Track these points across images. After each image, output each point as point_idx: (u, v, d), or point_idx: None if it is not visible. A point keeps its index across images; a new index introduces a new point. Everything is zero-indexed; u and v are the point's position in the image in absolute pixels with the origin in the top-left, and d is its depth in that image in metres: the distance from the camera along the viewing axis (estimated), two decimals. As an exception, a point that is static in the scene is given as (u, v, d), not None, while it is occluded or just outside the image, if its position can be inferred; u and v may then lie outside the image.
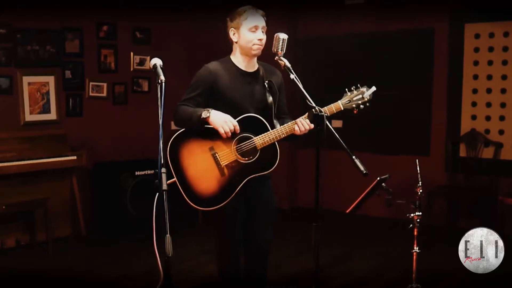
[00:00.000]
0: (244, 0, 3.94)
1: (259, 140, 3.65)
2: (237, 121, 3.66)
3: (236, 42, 3.79)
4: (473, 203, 7.13)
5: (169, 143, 3.73)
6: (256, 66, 3.86)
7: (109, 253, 6.34)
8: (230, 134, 3.60)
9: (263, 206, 3.95)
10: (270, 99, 3.80)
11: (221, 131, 3.59)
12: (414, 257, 4.17)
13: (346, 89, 3.71)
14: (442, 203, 7.30)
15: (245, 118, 3.70)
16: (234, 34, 3.78)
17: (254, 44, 3.70)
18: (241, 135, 3.69)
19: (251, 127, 3.69)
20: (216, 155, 3.69)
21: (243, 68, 3.81)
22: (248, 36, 3.71)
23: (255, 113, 3.72)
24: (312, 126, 3.58)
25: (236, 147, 3.69)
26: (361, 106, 3.68)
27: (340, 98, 3.69)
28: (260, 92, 3.81)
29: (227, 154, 3.69)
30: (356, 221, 7.40)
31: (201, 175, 3.70)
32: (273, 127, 3.72)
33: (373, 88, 3.70)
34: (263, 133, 3.66)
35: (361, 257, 6.26)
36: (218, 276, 4.04)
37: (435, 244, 6.18)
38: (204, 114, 3.60)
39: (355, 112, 3.70)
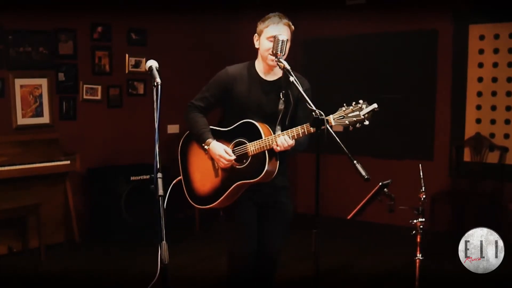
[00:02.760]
0: (242, 1, 3.95)
1: (251, 147, 3.69)
2: (236, 125, 3.77)
3: (258, 49, 3.83)
4: (477, 209, 7.13)
5: (181, 140, 4.01)
6: (278, 75, 3.83)
7: (103, 260, 6.33)
8: (228, 165, 3.73)
9: (275, 215, 3.99)
10: (281, 107, 3.78)
11: (220, 165, 3.78)
12: (417, 264, 4.17)
13: (344, 104, 3.48)
14: (445, 209, 7.31)
15: (244, 123, 3.75)
16: (256, 40, 3.82)
17: (269, 54, 3.69)
18: (239, 139, 3.76)
19: (248, 133, 3.72)
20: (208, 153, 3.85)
21: (263, 76, 3.83)
22: (265, 45, 3.73)
23: (263, 122, 3.73)
24: (292, 143, 3.55)
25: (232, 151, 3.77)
26: (357, 124, 3.46)
27: (338, 105, 3.58)
28: (274, 101, 3.81)
29: None
30: (357, 228, 7.41)
31: (200, 174, 3.90)
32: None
33: (374, 105, 3.42)
34: (257, 139, 3.67)
35: (363, 264, 6.27)
36: (227, 279, 4.03)
37: (439, 251, 6.18)
38: (206, 145, 3.80)
39: (350, 129, 3.48)
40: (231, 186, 3.73)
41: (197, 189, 3.92)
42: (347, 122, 3.45)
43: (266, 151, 3.64)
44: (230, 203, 3.82)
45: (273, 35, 3.68)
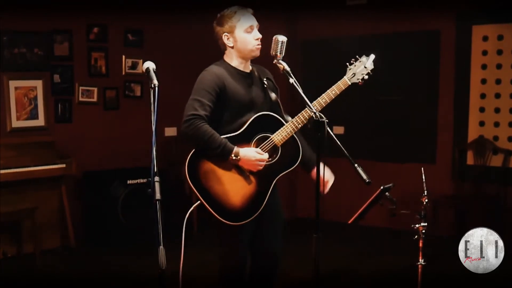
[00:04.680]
0: (240, 0, 3.95)
1: (278, 137, 3.69)
2: (250, 123, 3.72)
3: (232, 47, 3.79)
4: (481, 213, 7.12)
5: (186, 164, 3.67)
6: (250, 67, 3.90)
7: (100, 265, 6.33)
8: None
9: (273, 218, 3.98)
10: (273, 95, 3.84)
11: (255, 169, 3.67)
12: (419, 269, 4.17)
13: (347, 64, 3.89)
14: (448, 213, 7.31)
15: (257, 118, 3.73)
16: (228, 39, 3.78)
17: (254, 46, 3.74)
18: (258, 136, 3.73)
19: (265, 126, 3.72)
20: (238, 163, 3.67)
21: (241, 69, 3.83)
22: (246, 38, 3.73)
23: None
24: None
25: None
26: (366, 77, 3.87)
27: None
28: (262, 92, 3.84)
29: None
30: (358, 232, 7.41)
31: (228, 189, 3.67)
32: (286, 121, 3.75)
33: (372, 56, 3.91)
34: (279, 128, 3.70)
35: (364, 270, 6.26)
36: (218, 278, 4.02)
37: (441, 256, 6.19)
38: (234, 156, 3.59)
39: (360, 84, 3.86)
40: (272, 183, 3.73)
41: (231, 205, 3.67)
42: (359, 78, 3.87)
43: (294, 135, 3.73)
44: None
45: (250, 25, 3.73)
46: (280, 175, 3.74)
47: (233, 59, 3.82)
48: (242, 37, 3.73)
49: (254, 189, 3.70)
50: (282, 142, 3.68)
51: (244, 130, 3.71)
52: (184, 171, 3.64)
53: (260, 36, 3.75)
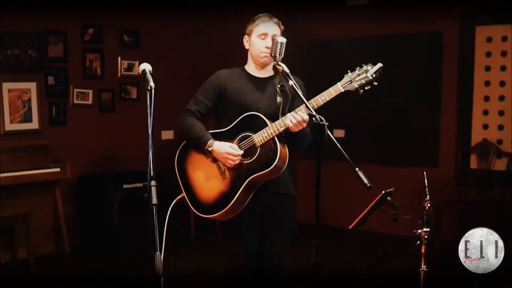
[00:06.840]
0: (238, 2, 3.97)
1: (258, 137, 3.68)
2: (237, 121, 3.77)
3: (248, 50, 3.92)
4: (485, 218, 7.12)
5: (177, 154, 3.94)
6: (271, 72, 3.93)
7: (95, 272, 6.32)
8: (237, 161, 3.67)
9: (280, 224, 3.99)
10: (279, 99, 3.81)
11: (229, 165, 3.71)
12: (422, 276, 4.17)
13: (349, 71, 3.65)
14: (451, 218, 7.31)
15: (245, 117, 3.76)
16: (246, 41, 3.92)
17: (261, 52, 3.80)
18: (242, 134, 3.75)
19: (252, 126, 3.73)
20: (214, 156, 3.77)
21: (254, 74, 3.91)
22: (256, 43, 3.82)
23: (265, 117, 3.74)
24: (306, 118, 3.56)
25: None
26: (366, 86, 3.58)
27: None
28: (272, 96, 3.84)
29: None
30: (359, 238, 7.40)
31: (205, 182, 3.82)
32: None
33: (379, 65, 3.57)
34: (262, 129, 3.69)
35: (365, 276, 6.27)
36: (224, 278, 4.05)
37: (444, 262, 6.19)
38: (209, 147, 3.73)
39: (360, 93, 3.59)
40: (243, 183, 3.67)
41: (205, 198, 3.81)
42: (356, 85, 3.59)
43: (276, 138, 3.64)
44: (243, 206, 3.75)
45: (263, 32, 3.80)
46: (253, 176, 3.67)
47: (249, 64, 3.95)
48: (255, 41, 3.84)
49: (227, 186, 3.74)
50: (260, 143, 3.67)
51: (231, 128, 3.81)
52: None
53: (270, 45, 3.77)
